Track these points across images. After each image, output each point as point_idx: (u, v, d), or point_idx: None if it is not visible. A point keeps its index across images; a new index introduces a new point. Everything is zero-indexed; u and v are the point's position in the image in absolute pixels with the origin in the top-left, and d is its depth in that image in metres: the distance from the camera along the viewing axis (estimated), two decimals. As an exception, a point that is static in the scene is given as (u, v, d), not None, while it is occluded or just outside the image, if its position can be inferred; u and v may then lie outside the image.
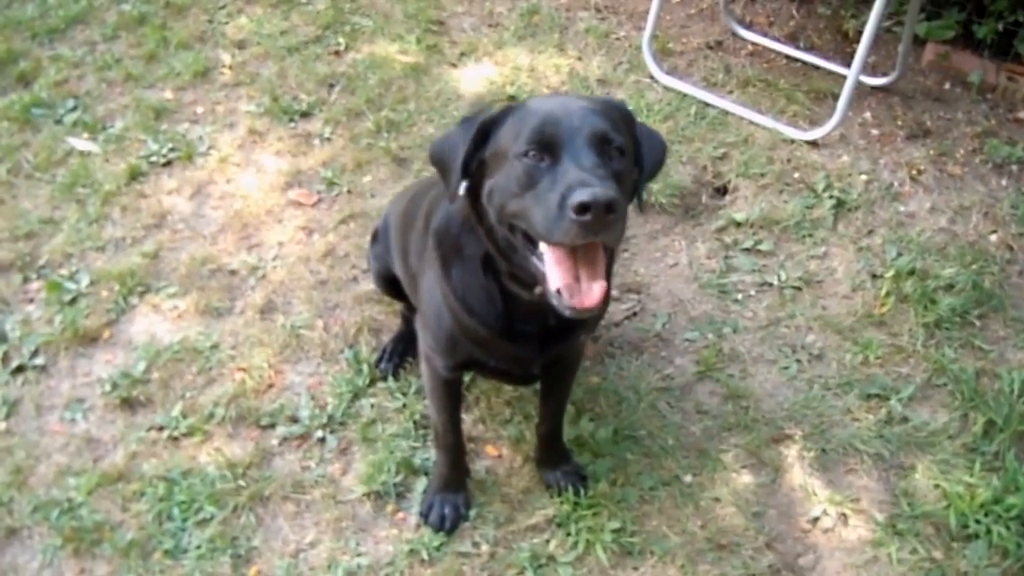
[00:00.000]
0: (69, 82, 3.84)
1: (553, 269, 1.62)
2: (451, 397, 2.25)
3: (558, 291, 1.62)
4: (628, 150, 1.70)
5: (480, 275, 1.90)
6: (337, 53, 3.98)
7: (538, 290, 1.76)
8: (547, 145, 1.61)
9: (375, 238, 2.61)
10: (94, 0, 4.31)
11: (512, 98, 3.68)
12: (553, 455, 2.42)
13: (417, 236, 2.18)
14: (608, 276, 2.04)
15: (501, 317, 1.92)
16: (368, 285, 2.94)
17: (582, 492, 2.38)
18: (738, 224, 3.17)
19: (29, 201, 3.29)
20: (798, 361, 2.73)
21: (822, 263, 3.03)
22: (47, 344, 2.78)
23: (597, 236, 1.52)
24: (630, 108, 1.83)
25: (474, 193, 1.80)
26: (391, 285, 2.53)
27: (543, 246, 1.64)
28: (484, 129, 1.74)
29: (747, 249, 3.08)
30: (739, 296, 2.94)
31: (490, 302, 1.91)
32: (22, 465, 2.49)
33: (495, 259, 1.84)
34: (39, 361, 2.75)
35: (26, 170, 3.41)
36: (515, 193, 1.65)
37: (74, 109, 3.69)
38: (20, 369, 2.73)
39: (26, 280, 3.00)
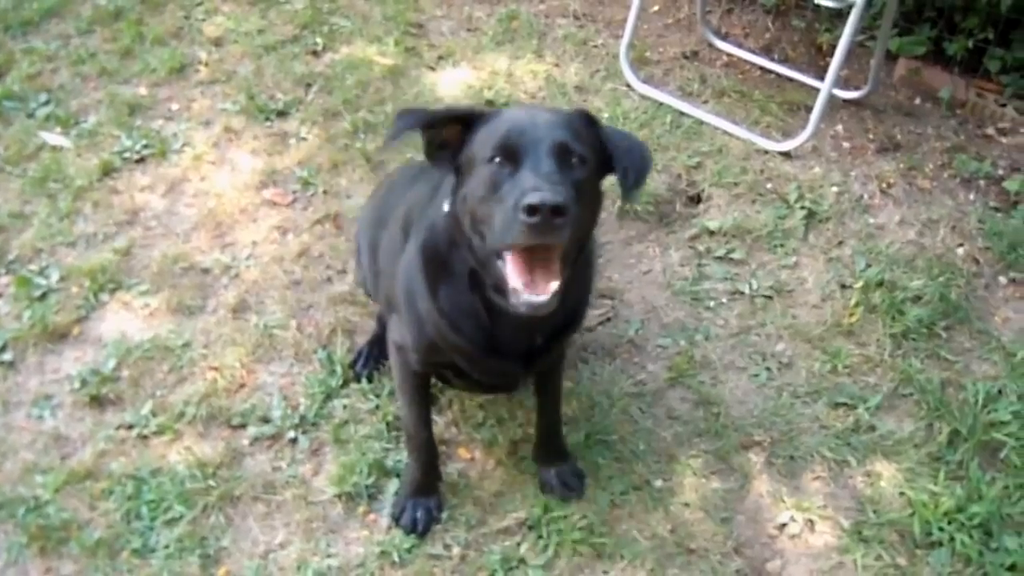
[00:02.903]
0: (42, 76, 3.80)
1: (511, 269, 1.69)
2: (421, 391, 2.27)
3: (514, 289, 1.69)
4: (591, 160, 1.75)
5: (467, 292, 1.92)
6: (315, 53, 3.97)
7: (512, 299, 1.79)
8: (511, 153, 1.70)
9: (357, 240, 2.62)
10: (69, -7, 4.27)
11: (490, 103, 3.69)
12: (550, 452, 2.44)
13: (390, 236, 2.19)
14: (587, 283, 2.06)
15: (487, 335, 1.94)
16: (342, 286, 2.94)
17: (574, 493, 2.40)
18: (711, 232, 3.20)
19: (-1, 195, 3.25)
20: (768, 369, 2.76)
21: (793, 273, 3.07)
22: (15, 340, 2.75)
23: (545, 238, 1.61)
24: (600, 117, 1.89)
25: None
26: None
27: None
28: (470, 121, 1.80)
29: (720, 257, 3.12)
30: (711, 304, 2.97)
31: (476, 320, 1.93)
32: (-12, 462, 2.45)
33: (479, 273, 1.86)
34: (7, 357, 2.71)
35: (-4, 164, 3.37)
36: (481, 198, 1.72)
37: (47, 103, 3.64)
38: (-13, 365, 2.70)
39: (-5, 275, 2.97)
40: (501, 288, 1.79)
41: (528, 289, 1.68)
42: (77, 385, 2.63)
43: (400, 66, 3.88)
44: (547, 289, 1.68)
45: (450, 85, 3.79)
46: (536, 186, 1.60)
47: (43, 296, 2.88)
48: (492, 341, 1.95)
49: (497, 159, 1.70)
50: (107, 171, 3.33)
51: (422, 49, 4.01)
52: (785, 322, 2.90)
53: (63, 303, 2.86)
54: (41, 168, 3.33)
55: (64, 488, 2.38)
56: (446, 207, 1.92)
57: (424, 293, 1.98)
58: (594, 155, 1.77)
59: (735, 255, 3.12)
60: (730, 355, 2.81)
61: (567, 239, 1.65)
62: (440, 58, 3.97)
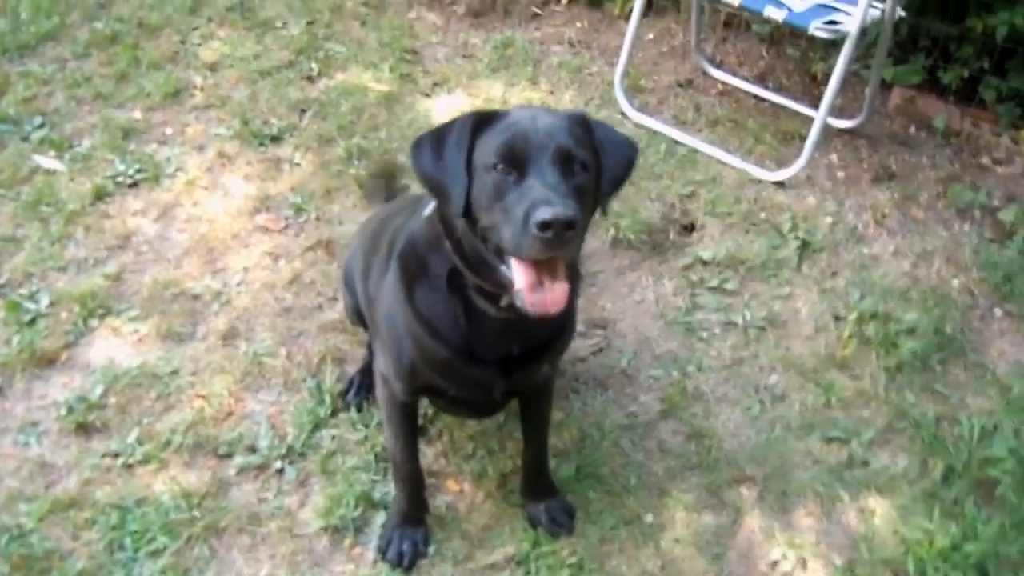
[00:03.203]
0: (37, 99, 3.80)
1: (519, 273, 1.69)
2: (408, 422, 2.24)
3: (523, 291, 1.68)
4: (590, 163, 1.76)
5: (445, 294, 1.91)
6: (310, 79, 3.98)
7: (504, 302, 1.82)
8: (515, 160, 1.69)
9: (344, 270, 2.60)
10: (66, 17, 4.29)
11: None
12: (538, 487, 2.40)
13: (380, 260, 2.18)
14: (572, 298, 2.04)
15: (464, 337, 1.93)
16: (333, 314, 2.92)
17: (568, 531, 2.37)
18: (704, 262, 3.19)
19: (-10, 218, 3.24)
20: (761, 402, 2.74)
21: (786, 303, 3.06)
22: (3, 365, 2.72)
23: (557, 251, 1.63)
24: (593, 119, 1.88)
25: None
26: (363, 317, 2.51)
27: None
28: (476, 129, 1.77)
29: (713, 288, 3.10)
30: (704, 334, 2.95)
31: (454, 322, 1.93)
32: (-30, 491, 2.42)
33: (462, 274, 1.86)
34: (-7, 383, 2.69)
35: (-12, 187, 3.36)
36: (485, 206, 1.70)
37: (41, 126, 3.64)
38: (-27, 391, 2.67)
39: (-17, 299, 2.95)
40: (487, 292, 1.83)
41: (538, 296, 1.68)
42: (64, 412, 2.60)
43: (395, 92, 3.89)
44: (556, 296, 1.69)
45: (445, 112, 3.79)
46: (546, 199, 1.61)
47: (32, 321, 2.86)
48: (469, 345, 1.94)
49: (500, 166, 1.69)
50: (100, 195, 3.32)
51: (417, 75, 4.02)
52: (778, 354, 2.89)
53: (52, 328, 2.84)
54: (34, 192, 3.32)
55: (48, 517, 2.35)
56: (427, 211, 1.94)
57: (401, 298, 1.98)
58: (593, 159, 1.78)
59: (728, 285, 3.10)
60: (723, 387, 2.78)
61: (576, 250, 1.71)
62: (435, 85, 3.98)
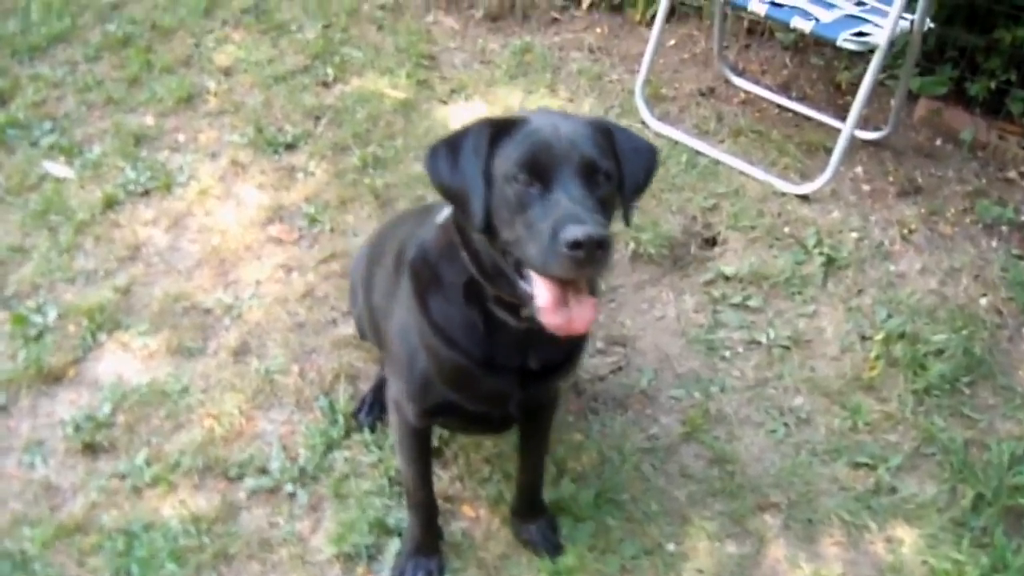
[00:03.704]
0: (47, 103, 3.75)
1: (541, 290, 1.62)
2: (421, 448, 2.17)
3: (546, 309, 1.62)
4: (613, 173, 1.70)
5: (462, 303, 1.85)
6: (325, 84, 3.91)
7: (525, 313, 1.75)
8: (538, 171, 1.62)
9: (352, 283, 2.54)
10: (78, 18, 4.23)
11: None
12: (532, 506, 2.35)
13: (384, 273, 2.12)
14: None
15: (483, 346, 1.86)
16: (347, 329, 2.85)
17: (557, 549, 2.31)
18: (727, 278, 3.11)
19: (-1, 227, 3.18)
20: (785, 425, 2.66)
21: (811, 322, 2.98)
22: (9, 382, 2.67)
23: (588, 271, 1.56)
24: (614, 124, 1.81)
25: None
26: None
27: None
28: (494, 138, 1.68)
29: (736, 304, 3.02)
30: (727, 353, 2.87)
31: (472, 331, 1.86)
32: (-25, 512, 2.37)
33: (479, 285, 1.80)
34: (-1, 400, 2.64)
35: (-2, 194, 3.31)
36: (506, 218, 1.64)
37: (51, 132, 3.59)
38: (-21, 407, 2.62)
39: (-9, 311, 2.90)
40: (507, 302, 1.77)
41: (564, 315, 1.61)
42: (71, 431, 2.55)
43: (411, 99, 3.82)
44: (584, 314, 1.62)
45: (462, 120, 3.71)
46: (575, 216, 1.53)
47: (39, 335, 2.81)
48: (487, 353, 1.87)
49: (522, 177, 1.62)
50: (110, 204, 3.26)
51: (434, 82, 3.95)
52: (803, 375, 2.81)
53: (59, 343, 2.79)
54: (43, 200, 3.27)
55: (53, 543, 2.29)
56: (440, 219, 1.87)
57: (414, 309, 1.91)
58: (616, 167, 1.71)
59: (752, 302, 3.03)
60: (746, 409, 2.71)
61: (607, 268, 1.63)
62: (452, 91, 3.91)
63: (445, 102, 3.84)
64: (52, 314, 2.87)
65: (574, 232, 1.50)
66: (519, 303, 1.74)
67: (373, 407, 2.59)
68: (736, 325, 2.96)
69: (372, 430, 2.56)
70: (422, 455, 2.18)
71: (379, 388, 2.62)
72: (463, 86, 3.92)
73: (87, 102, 3.76)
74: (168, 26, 4.18)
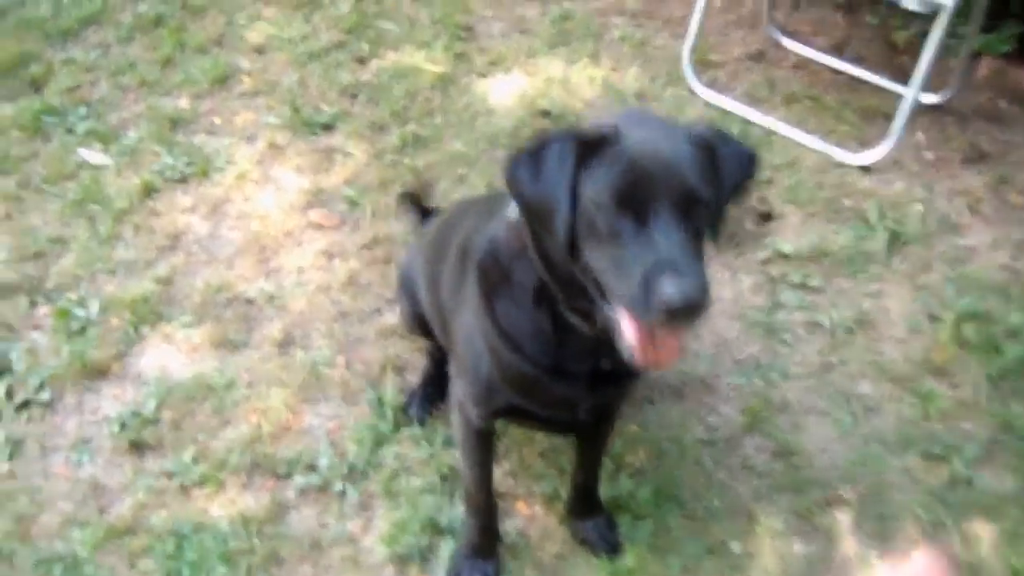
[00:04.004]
0: (81, 88, 3.67)
1: (628, 325, 1.50)
2: (484, 450, 2.09)
3: (632, 346, 1.50)
4: (713, 200, 1.52)
5: (530, 307, 1.73)
6: (361, 60, 3.80)
7: (600, 322, 1.60)
8: (633, 203, 1.45)
9: (400, 279, 2.44)
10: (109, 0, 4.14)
11: (546, 113, 3.49)
12: (589, 504, 2.27)
13: (450, 270, 2.00)
14: None
15: (551, 353, 1.75)
16: (392, 318, 2.77)
17: (615, 548, 2.23)
18: (785, 256, 2.97)
19: (38, 217, 3.13)
20: (852, 414, 2.54)
21: (876, 302, 2.84)
22: (53, 378, 2.62)
23: (683, 325, 1.44)
24: (717, 132, 1.62)
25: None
26: (423, 326, 2.36)
27: None
28: (582, 152, 1.52)
29: (795, 284, 2.89)
30: (787, 337, 2.75)
31: (540, 337, 1.75)
32: (25, 513, 2.34)
33: (551, 289, 1.68)
34: (45, 396, 2.59)
35: (35, 183, 3.25)
36: (594, 245, 1.49)
37: (86, 117, 3.52)
38: (25, 405, 2.58)
39: (33, 304, 2.85)
40: (581, 309, 1.64)
41: (650, 350, 1.50)
42: (116, 428, 2.51)
43: (449, 73, 3.70)
44: (672, 352, 1.51)
45: (502, 94, 3.60)
46: (673, 265, 1.39)
47: (82, 329, 2.76)
48: (556, 360, 1.76)
49: (615, 206, 1.45)
50: (148, 192, 3.19)
51: (472, 54, 3.82)
52: (869, 359, 2.68)
53: (103, 337, 2.74)
54: (80, 189, 3.21)
55: (103, 544, 2.26)
56: (510, 214, 1.73)
57: (480, 311, 1.80)
58: (716, 190, 1.54)
59: (812, 282, 2.89)
60: (810, 397, 2.59)
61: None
62: (491, 64, 3.78)
63: (484, 75, 3.71)
64: (94, 307, 2.81)
65: (671, 292, 1.37)
66: (594, 313, 1.61)
67: (423, 401, 2.52)
68: (796, 306, 2.83)
69: (422, 424, 2.48)
70: (484, 458, 2.09)
71: (427, 381, 2.54)
72: (502, 58, 3.79)
73: (121, 85, 3.68)
74: (199, 4, 4.08)
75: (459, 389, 1.99)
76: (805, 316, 2.80)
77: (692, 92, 3.64)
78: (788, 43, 3.93)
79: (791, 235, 3.05)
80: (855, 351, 2.70)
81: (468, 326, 1.88)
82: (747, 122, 3.47)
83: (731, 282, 2.92)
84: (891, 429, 2.51)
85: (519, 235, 1.71)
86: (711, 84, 3.68)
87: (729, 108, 3.54)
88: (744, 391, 2.61)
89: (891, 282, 2.89)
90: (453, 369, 2.05)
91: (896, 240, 3.00)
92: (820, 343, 2.73)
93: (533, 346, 1.76)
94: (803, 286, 2.89)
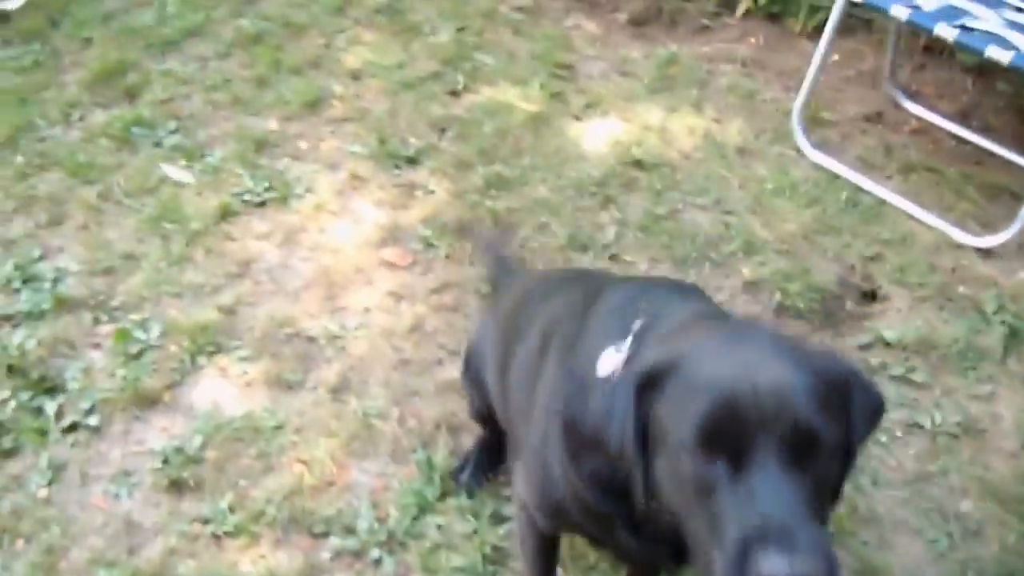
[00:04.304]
0: (175, 101, 3.66)
1: None
2: (546, 554, 1.90)
3: None
4: (839, 444, 1.21)
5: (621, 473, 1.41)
6: (454, 93, 3.69)
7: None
8: (724, 442, 1.16)
9: (468, 361, 2.28)
10: (213, 12, 4.15)
11: (638, 163, 3.31)
12: None
13: (526, 350, 1.81)
14: None
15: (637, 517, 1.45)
16: (453, 371, 2.61)
17: None
18: (887, 343, 2.71)
19: (114, 231, 3.10)
20: (949, 535, 2.27)
21: (987, 406, 2.55)
22: (104, 402, 2.56)
23: None
24: (852, 368, 1.31)
25: None
26: (492, 419, 2.18)
27: None
28: (642, 389, 1.27)
29: (896, 377, 2.63)
30: (883, 437, 2.48)
31: (626, 501, 1.42)
32: (55, 545, 2.25)
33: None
34: (93, 421, 2.52)
35: (116, 195, 3.22)
36: (675, 492, 1.23)
37: (175, 132, 3.49)
38: (73, 427, 2.51)
39: (96, 322, 2.80)
40: None
41: None
42: (159, 463, 2.41)
43: (544, 113, 3.55)
44: None
45: (596, 139, 3.43)
46: (784, 534, 1.09)
47: (140, 353, 2.69)
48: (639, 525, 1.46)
49: (701, 448, 1.17)
50: (224, 214, 3.13)
51: (569, 95, 3.67)
52: (974, 472, 2.40)
53: (159, 363, 2.66)
54: (159, 204, 3.17)
55: (127, 589, 2.16)
56: (603, 371, 1.44)
57: (564, 463, 1.54)
58: (843, 431, 1.22)
59: (915, 376, 2.63)
60: (902, 510, 2.33)
61: None
62: (587, 106, 3.62)
63: (579, 118, 3.56)
64: (155, 331, 2.75)
65: (776, 573, 1.07)
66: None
67: (476, 469, 2.34)
68: (896, 402, 2.56)
69: (470, 496, 2.32)
70: (546, 562, 1.91)
71: (483, 446, 2.38)
72: (599, 100, 3.63)
73: (213, 102, 3.66)
74: (300, 23, 4.06)
75: (522, 489, 1.77)
76: (904, 415, 2.54)
77: (800, 152, 3.40)
78: (909, 106, 3.66)
79: (896, 320, 2.78)
80: (958, 461, 2.42)
81: (539, 441, 1.62)
82: (858, 189, 3.22)
83: (824, 366, 2.67)
84: (992, 558, 2.22)
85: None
86: (821, 145, 3.44)
87: (839, 172, 3.30)
88: (828, 494, 2.36)
89: (1006, 385, 2.60)
90: (517, 463, 1.83)
91: (1015, 337, 2.71)
92: (919, 447, 2.46)
93: (618, 507, 1.46)
94: (905, 379, 2.62)
